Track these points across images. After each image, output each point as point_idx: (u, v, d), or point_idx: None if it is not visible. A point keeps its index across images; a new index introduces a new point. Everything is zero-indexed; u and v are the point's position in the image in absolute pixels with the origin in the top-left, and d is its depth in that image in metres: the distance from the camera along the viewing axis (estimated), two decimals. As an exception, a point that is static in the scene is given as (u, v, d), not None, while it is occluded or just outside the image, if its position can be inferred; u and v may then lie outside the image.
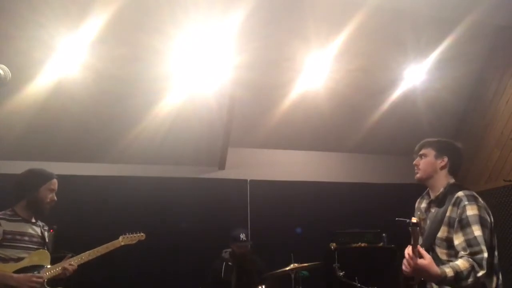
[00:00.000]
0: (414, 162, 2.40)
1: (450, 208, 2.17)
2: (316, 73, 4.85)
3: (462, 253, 2.04)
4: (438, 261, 2.09)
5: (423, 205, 2.42)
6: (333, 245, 4.90)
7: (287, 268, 3.89)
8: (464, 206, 2.11)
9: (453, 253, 2.10)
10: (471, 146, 5.51)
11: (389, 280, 4.37)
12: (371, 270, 4.51)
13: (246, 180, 5.36)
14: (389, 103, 5.31)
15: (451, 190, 2.24)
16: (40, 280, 2.58)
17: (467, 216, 2.08)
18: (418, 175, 2.37)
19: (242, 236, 4.02)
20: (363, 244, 5.05)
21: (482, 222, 2.06)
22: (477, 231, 2.04)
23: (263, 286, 3.72)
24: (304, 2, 4.30)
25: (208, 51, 4.33)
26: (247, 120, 5.16)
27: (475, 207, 2.10)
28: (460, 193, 2.18)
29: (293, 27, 4.46)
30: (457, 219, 2.10)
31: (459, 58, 4.98)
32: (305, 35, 4.48)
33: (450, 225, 2.14)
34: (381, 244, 5.06)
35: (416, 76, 5.11)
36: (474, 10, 4.40)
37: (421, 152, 2.37)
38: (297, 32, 4.49)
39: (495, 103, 5.20)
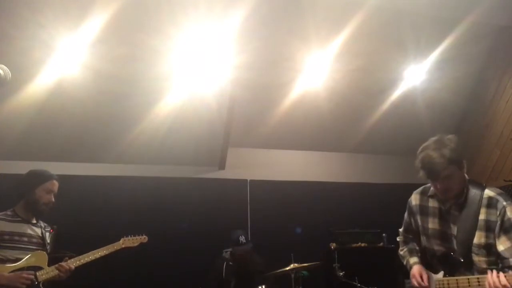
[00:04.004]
0: (439, 187, 2.03)
1: (484, 210, 1.99)
2: (316, 73, 4.84)
3: None
4: (477, 270, 2.00)
5: (432, 204, 2.19)
6: (333, 245, 4.90)
7: (287, 268, 3.89)
8: (504, 207, 1.94)
9: (494, 260, 1.97)
10: (471, 146, 5.50)
11: (389, 280, 4.37)
12: (371, 270, 4.51)
13: (246, 180, 5.36)
14: (389, 103, 5.31)
15: (472, 189, 2.05)
16: (31, 277, 2.55)
17: (510, 219, 1.92)
18: (450, 195, 2.05)
19: (242, 238, 3.99)
20: (363, 244, 5.05)
21: None
22: None
23: (263, 286, 3.71)
24: (304, 2, 4.30)
25: (208, 51, 4.33)
26: (247, 120, 5.16)
27: None
28: (490, 193, 2.01)
29: (293, 27, 4.46)
30: (498, 223, 1.94)
31: (459, 58, 4.98)
32: (305, 35, 4.48)
33: (489, 230, 1.97)
34: (381, 244, 5.07)
35: (416, 76, 5.11)
36: (474, 10, 4.40)
37: (445, 175, 1.97)
38: (297, 32, 4.49)
39: (495, 103, 5.20)
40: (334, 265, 4.48)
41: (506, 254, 1.91)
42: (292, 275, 3.93)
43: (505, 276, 1.80)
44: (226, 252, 4.18)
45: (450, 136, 2.04)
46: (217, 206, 5.03)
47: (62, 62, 4.09)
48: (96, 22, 3.83)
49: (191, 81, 4.55)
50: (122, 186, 4.82)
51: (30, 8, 3.69)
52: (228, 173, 5.34)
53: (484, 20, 4.61)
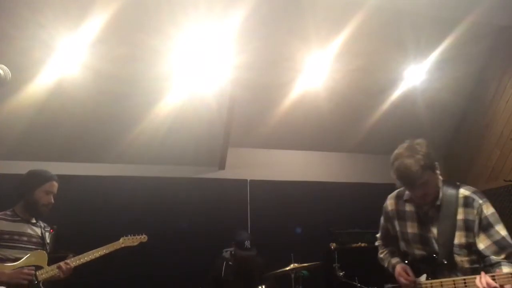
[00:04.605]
0: (417, 194, 2.04)
1: (461, 210, 2.01)
2: (316, 73, 4.84)
3: (494, 258, 1.91)
4: (460, 270, 2.00)
5: (409, 208, 2.18)
6: (333, 245, 4.90)
7: (287, 268, 3.89)
8: (480, 205, 1.97)
9: (475, 259, 1.99)
10: (471, 146, 5.51)
11: (389, 280, 4.37)
12: (371, 270, 4.51)
13: (246, 180, 5.36)
14: (389, 103, 5.31)
15: (446, 189, 2.07)
16: (32, 272, 2.56)
17: (486, 217, 1.96)
18: (428, 199, 2.06)
19: (247, 243, 3.97)
20: (363, 244, 5.05)
21: (500, 219, 1.96)
22: (502, 230, 1.94)
23: (263, 286, 3.71)
24: (304, 2, 4.30)
25: (208, 51, 4.33)
26: (247, 120, 5.16)
27: (489, 204, 1.99)
28: (466, 192, 2.04)
29: (293, 27, 4.46)
30: (476, 221, 1.97)
31: (459, 58, 4.98)
32: (305, 35, 4.48)
33: (468, 229, 1.99)
34: (381, 244, 5.06)
35: (416, 76, 5.11)
36: (474, 10, 4.40)
37: (421, 182, 1.97)
38: (297, 32, 4.49)
39: (495, 103, 5.20)
40: (334, 265, 4.48)
41: (486, 252, 1.94)
42: (292, 275, 3.93)
43: (492, 277, 1.80)
44: (226, 251, 4.18)
45: (419, 141, 2.06)
46: (217, 206, 5.03)
47: (62, 62, 4.09)
48: (96, 22, 3.82)
49: (191, 81, 4.55)
50: (122, 186, 4.82)
51: (30, 8, 3.69)
52: (228, 173, 5.34)
53: (484, 20, 4.61)
